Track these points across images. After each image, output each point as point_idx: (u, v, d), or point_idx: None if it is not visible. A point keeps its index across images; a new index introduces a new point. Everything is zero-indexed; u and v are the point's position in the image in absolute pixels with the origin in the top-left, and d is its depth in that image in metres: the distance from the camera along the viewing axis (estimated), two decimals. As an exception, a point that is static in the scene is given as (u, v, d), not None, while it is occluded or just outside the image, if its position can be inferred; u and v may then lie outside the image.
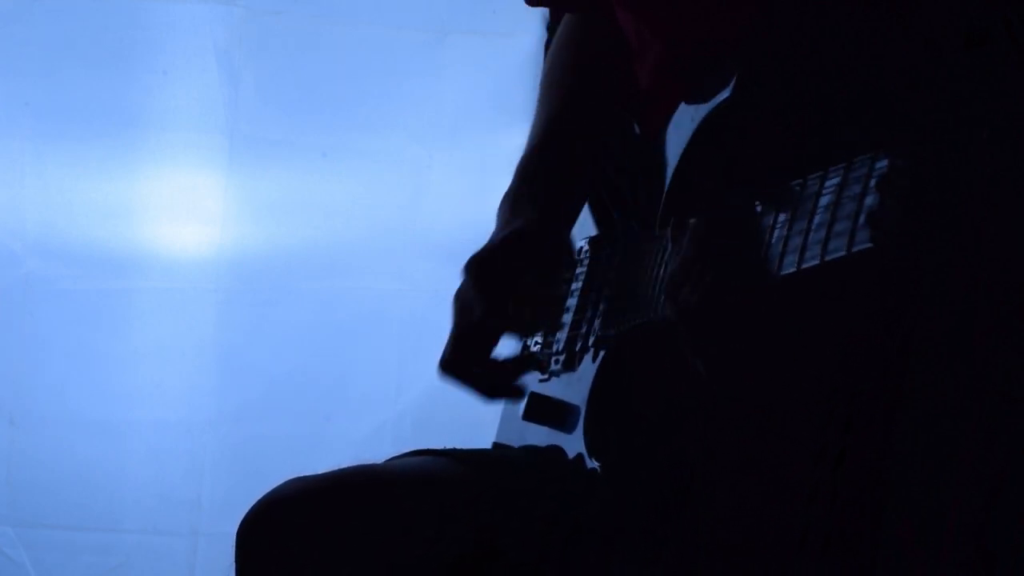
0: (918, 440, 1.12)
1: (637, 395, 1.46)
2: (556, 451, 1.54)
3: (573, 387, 1.56)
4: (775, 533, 1.22)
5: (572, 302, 1.63)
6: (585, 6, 1.73)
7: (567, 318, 1.63)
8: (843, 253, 1.13)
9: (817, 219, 1.18)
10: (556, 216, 1.63)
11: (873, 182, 1.12)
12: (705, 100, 1.44)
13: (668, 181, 1.51)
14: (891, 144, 1.12)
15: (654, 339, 1.42)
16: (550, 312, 1.62)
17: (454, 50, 3.00)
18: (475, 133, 2.98)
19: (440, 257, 3.00)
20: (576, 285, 1.63)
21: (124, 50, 2.90)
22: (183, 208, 2.96)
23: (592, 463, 1.48)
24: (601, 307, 1.56)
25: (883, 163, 1.12)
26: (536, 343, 1.67)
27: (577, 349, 1.58)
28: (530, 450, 1.59)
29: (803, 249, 1.18)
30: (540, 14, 2.89)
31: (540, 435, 1.58)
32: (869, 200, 1.12)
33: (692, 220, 1.35)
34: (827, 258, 1.15)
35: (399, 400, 3.04)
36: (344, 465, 1.52)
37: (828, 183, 1.18)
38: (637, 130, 1.64)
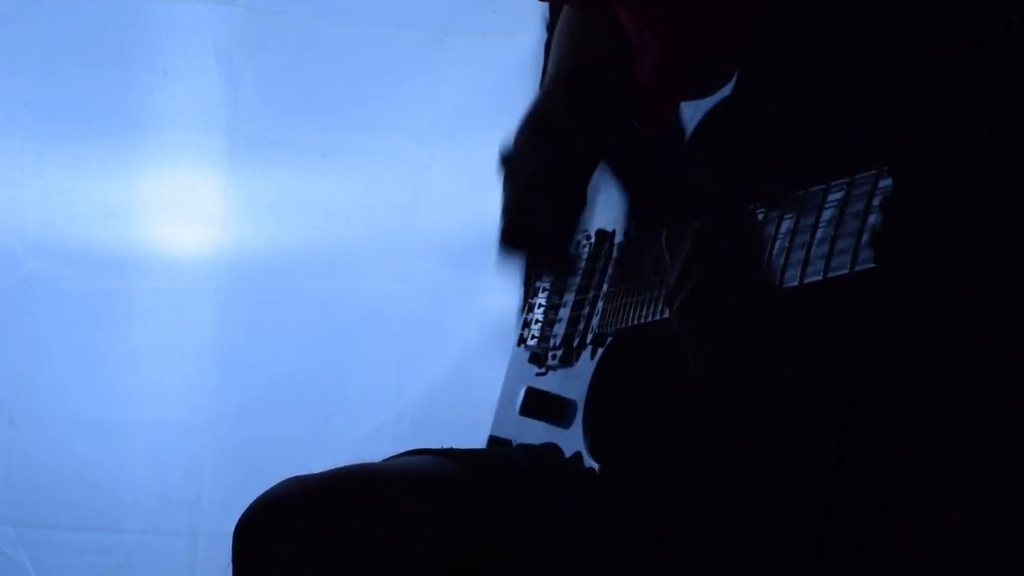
0: (918, 440, 1.12)
1: (636, 393, 1.47)
2: (554, 450, 1.54)
3: (570, 383, 1.56)
4: (775, 533, 1.21)
5: (569, 297, 1.63)
6: (585, 4, 1.73)
7: (564, 313, 1.63)
8: (846, 271, 1.14)
9: (820, 233, 1.18)
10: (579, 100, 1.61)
11: (877, 201, 1.12)
12: (704, 96, 1.44)
13: (668, 180, 1.51)
14: (894, 160, 1.12)
15: (653, 338, 1.42)
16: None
17: (454, 50, 3.00)
18: (475, 133, 2.98)
19: (440, 257, 3.01)
20: (574, 280, 1.63)
21: (124, 50, 2.89)
22: (183, 208, 2.96)
23: (591, 461, 1.48)
24: (599, 304, 1.56)
25: (887, 182, 1.12)
26: (533, 337, 1.67)
27: (575, 345, 1.58)
28: (529, 449, 1.59)
29: (805, 264, 1.18)
30: (540, 14, 2.89)
31: (537, 429, 1.58)
32: (872, 219, 1.12)
33: (694, 223, 1.35)
34: (830, 275, 1.15)
35: (399, 400, 3.04)
36: (344, 465, 1.52)
37: (831, 196, 1.18)
38: (637, 129, 1.64)
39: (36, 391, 2.93)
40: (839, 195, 1.17)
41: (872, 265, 1.12)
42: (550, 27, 1.82)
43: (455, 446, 1.58)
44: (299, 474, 1.48)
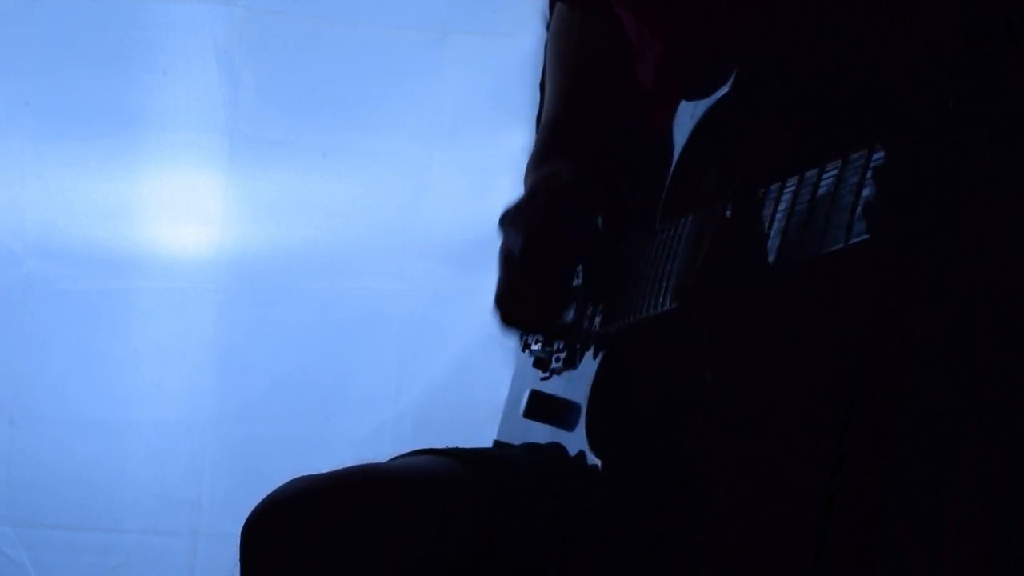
0: (918, 440, 1.12)
1: (636, 392, 1.47)
2: (558, 449, 1.54)
3: (574, 384, 1.56)
4: (775, 533, 1.22)
5: (573, 300, 1.63)
6: (585, 4, 1.73)
7: (568, 316, 1.63)
8: (841, 245, 1.14)
9: (816, 211, 1.18)
10: (591, 162, 1.61)
11: (870, 173, 1.12)
12: (705, 96, 1.44)
13: (668, 179, 1.51)
14: (887, 136, 1.12)
15: (654, 336, 1.43)
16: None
17: (454, 50, 3.00)
18: (475, 133, 2.98)
19: (440, 257, 3.01)
20: (577, 283, 1.63)
21: (124, 50, 2.90)
22: (183, 208, 2.96)
23: (593, 461, 1.48)
24: (602, 305, 1.56)
25: (879, 155, 1.12)
26: (537, 341, 1.67)
27: (578, 347, 1.58)
28: (531, 448, 1.59)
29: (802, 242, 1.19)
30: (540, 14, 2.89)
31: (542, 433, 1.58)
32: (866, 192, 1.12)
33: (693, 215, 1.35)
34: (825, 250, 1.15)
35: (399, 400, 3.04)
36: (345, 465, 1.52)
37: (826, 176, 1.19)
38: (637, 129, 1.64)
39: (36, 391, 2.93)
40: (834, 173, 1.18)
41: (866, 237, 1.12)
42: (550, 27, 1.82)
43: (456, 446, 1.59)
44: (303, 474, 1.48)
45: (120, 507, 2.95)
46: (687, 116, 1.49)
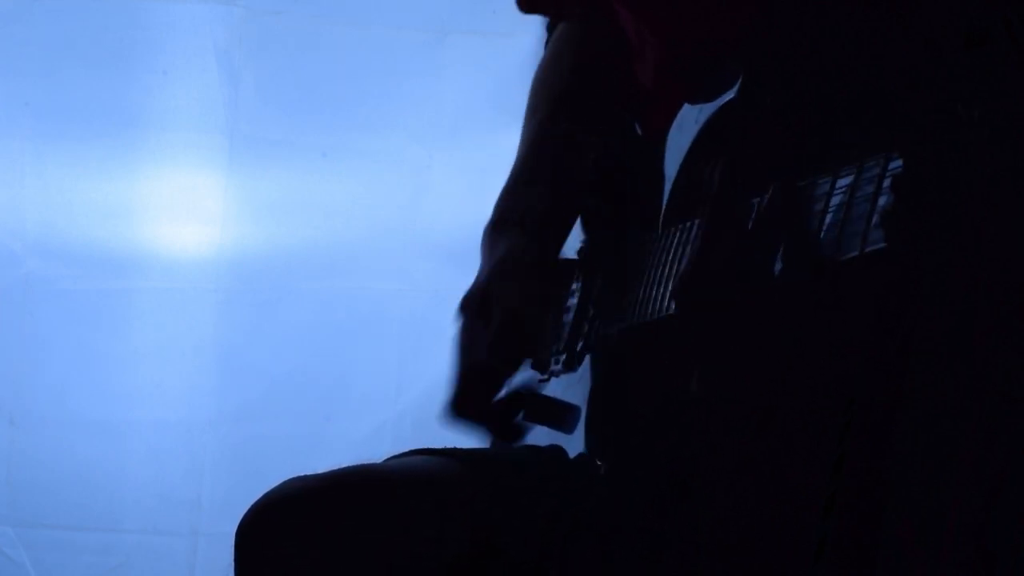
0: (918, 440, 1.12)
1: (636, 392, 1.46)
2: (557, 450, 1.54)
3: (574, 387, 1.56)
4: (775, 533, 1.21)
5: (573, 302, 1.63)
6: (581, 13, 1.73)
7: (567, 318, 1.63)
8: (856, 253, 1.13)
9: (829, 219, 1.18)
10: (546, 237, 1.62)
11: (887, 182, 1.12)
12: (709, 100, 1.44)
13: (670, 182, 1.51)
14: (904, 143, 1.12)
15: (654, 338, 1.42)
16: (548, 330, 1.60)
17: (454, 50, 3.00)
18: (475, 133, 2.98)
19: (440, 257, 3.01)
20: (577, 285, 1.63)
21: (124, 50, 2.90)
22: (183, 208, 2.96)
23: (592, 461, 1.48)
24: (602, 307, 1.56)
25: (897, 163, 1.12)
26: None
27: (578, 349, 1.58)
28: (531, 449, 1.59)
29: (814, 249, 1.18)
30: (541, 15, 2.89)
31: (541, 436, 1.58)
32: (883, 200, 1.12)
33: (700, 219, 1.35)
34: (839, 259, 1.15)
35: (399, 400, 3.04)
36: (344, 465, 1.52)
37: (840, 183, 1.18)
38: (638, 131, 1.64)
39: (36, 391, 2.93)
40: (848, 181, 1.17)
41: (883, 245, 1.11)
42: (550, 27, 1.82)
43: (455, 446, 1.58)
44: (300, 474, 1.48)
45: (120, 507, 2.95)
46: (692, 120, 1.49)
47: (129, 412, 2.95)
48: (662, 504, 1.36)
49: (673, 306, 1.36)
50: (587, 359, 1.56)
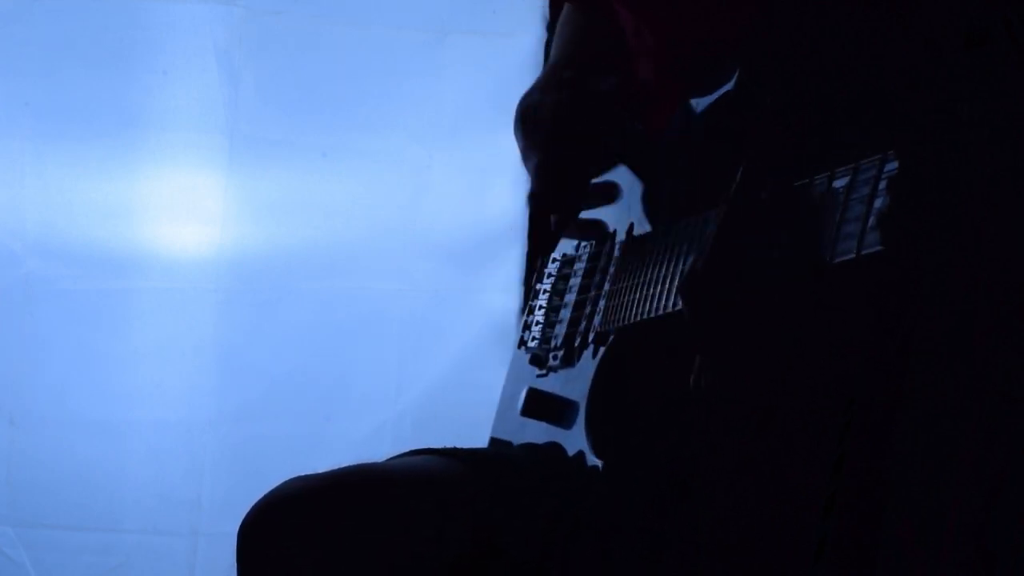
0: (918, 440, 1.12)
1: (636, 391, 1.47)
2: (556, 448, 1.54)
3: (572, 383, 1.56)
4: (775, 533, 1.22)
5: (571, 298, 1.63)
6: (585, 4, 1.73)
7: (565, 314, 1.63)
8: (852, 256, 1.13)
9: (825, 219, 1.18)
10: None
11: (883, 184, 1.12)
12: (705, 94, 1.44)
13: (670, 180, 1.51)
14: (900, 145, 1.12)
15: (655, 336, 1.42)
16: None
17: (454, 50, 3.00)
18: (475, 133, 2.98)
19: (440, 257, 3.01)
20: (575, 281, 1.63)
21: (124, 50, 2.89)
22: (183, 208, 2.95)
23: (592, 460, 1.48)
24: (601, 303, 1.56)
25: (893, 165, 1.12)
26: (533, 339, 1.67)
27: (576, 345, 1.58)
28: (530, 448, 1.59)
29: (811, 250, 1.18)
30: (540, 14, 2.89)
31: (538, 430, 1.58)
32: (879, 202, 1.12)
33: (705, 219, 1.35)
34: (835, 260, 1.15)
35: (399, 400, 3.03)
36: (344, 465, 1.52)
37: (835, 184, 1.18)
38: (638, 130, 1.64)
39: (36, 391, 2.93)
40: (844, 181, 1.17)
41: (879, 248, 1.11)
42: (550, 27, 1.82)
43: (455, 446, 1.59)
44: (301, 474, 1.48)
45: (120, 507, 2.95)
46: (691, 117, 1.49)
47: (129, 412, 2.95)
48: (662, 504, 1.36)
49: (678, 302, 1.36)
50: (585, 355, 1.56)
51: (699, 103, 1.46)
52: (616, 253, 1.58)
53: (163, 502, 2.95)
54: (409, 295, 3.02)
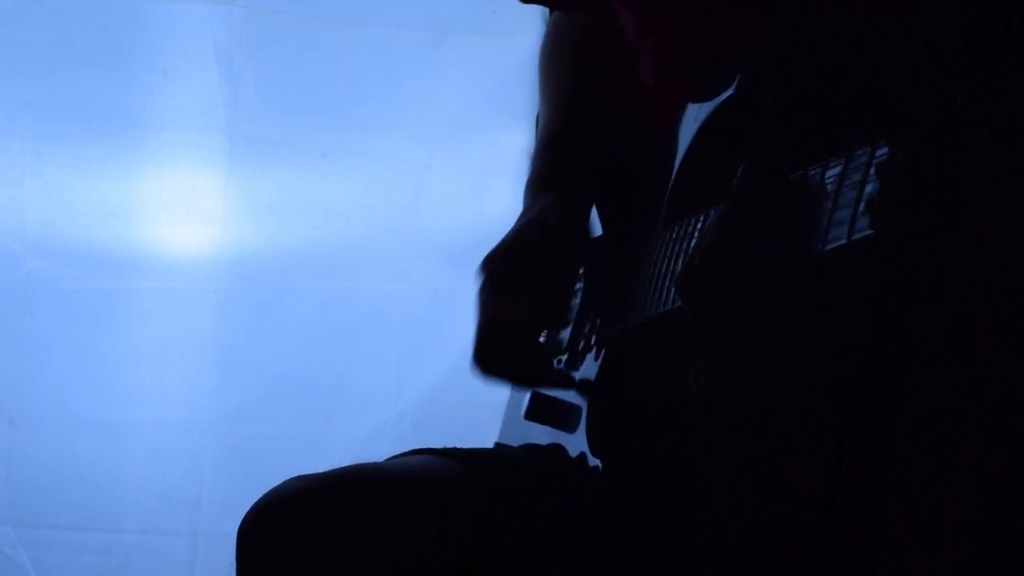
0: (918, 440, 1.12)
1: (637, 392, 1.47)
2: (557, 449, 1.54)
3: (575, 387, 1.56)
4: (775, 533, 1.22)
5: (575, 302, 1.63)
6: (583, 6, 1.73)
7: (570, 318, 1.63)
8: (843, 242, 1.13)
9: (820, 208, 1.18)
10: (580, 194, 1.61)
11: (873, 170, 1.12)
12: (709, 99, 1.44)
13: (670, 181, 1.51)
14: (890, 132, 1.12)
15: (655, 337, 1.42)
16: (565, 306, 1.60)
17: (454, 50, 3.00)
18: (475, 133, 2.98)
19: (440, 257, 3.01)
20: (579, 285, 1.63)
21: (124, 50, 2.90)
22: (183, 208, 2.96)
23: (595, 461, 1.48)
24: (604, 306, 1.56)
25: (883, 151, 1.12)
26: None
27: (580, 348, 1.58)
28: (532, 448, 1.59)
29: (806, 238, 1.18)
30: (540, 14, 2.89)
31: (543, 435, 1.58)
32: (869, 188, 1.12)
33: (701, 215, 1.35)
34: (827, 247, 1.15)
35: (399, 400, 3.04)
36: (344, 465, 1.52)
37: (829, 173, 1.18)
38: (638, 130, 1.64)
39: (36, 391, 2.93)
40: (837, 170, 1.17)
41: (869, 232, 1.11)
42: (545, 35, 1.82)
43: (455, 446, 1.58)
44: (300, 474, 1.48)
45: (120, 507, 2.95)
46: (691, 119, 1.49)
47: (129, 412, 2.95)
48: (662, 504, 1.36)
49: (676, 299, 1.36)
50: (588, 359, 1.56)
51: (702, 105, 1.46)
52: (618, 255, 1.58)
53: (163, 502, 2.96)
54: (409, 295, 3.03)
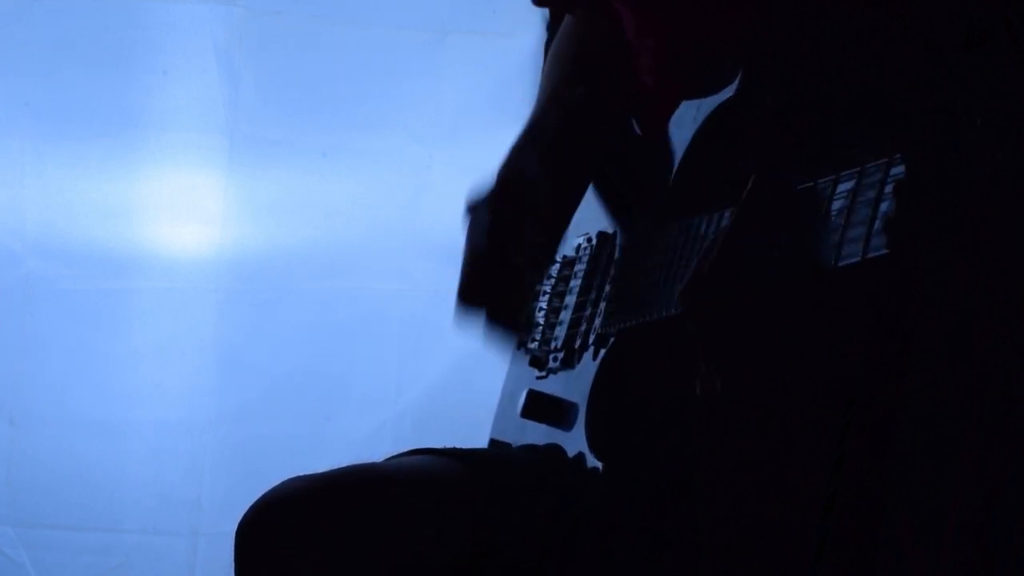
0: (918, 440, 1.12)
1: (637, 392, 1.46)
2: (555, 449, 1.54)
3: (572, 384, 1.56)
4: (775, 533, 1.21)
5: (571, 300, 1.63)
6: (586, 6, 1.73)
7: (565, 316, 1.63)
8: (857, 259, 1.13)
9: (831, 224, 1.18)
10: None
11: (889, 188, 1.12)
12: (706, 95, 1.44)
13: (670, 181, 1.51)
14: (906, 148, 1.12)
15: (656, 338, 1.42)
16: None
17: (454, 50, 3.00)
18: (475, 133, 2.97)
19: (440, 257, 3.00)
20: (575, 283, 1.63)
21: (124, 50, 2.90)
22: (183, 208, 2.96)
23: (593, 461, 1.48)
24: (601, 305, 1.56)
25: (899, 169, 1.12)
26: (533, 340, 1.67)
27: (576, 347, 1.58)
28: (530, 448, 1.59)
29: (817, 253, 1.18)
30: (540, 14, 2.89)
31: (538, 432, 1.58)
32: (884, 206, 1.12)
33: (708, 220, 1.35)
34: (840, 263, 1.15)
35: (399, 400, 3.03)
36: (344, 465, 1.52)
37: (840, 187, 1.18)
38: (637, 130, 1.64)
39: (36, 391, 2.93)
40: (850, 184, 1.17)
41: (885, 251, 1.11)
42: (550, 27, 1.82)
43: (455, 446, 1.58)
44: (300, 474, 1.48)
45: (120, 507, 2.95)
46: (689, 118, 1.49)
47: (129, 412, 2.95)
48: (662, 504, 1.36)
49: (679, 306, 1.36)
50: (585, 356, 1.56)
51: (699, 103, 1.46)
52: (616, 255, 1.58)
53: (163, 502, 2.95)
54: (409, 295, 3.02)
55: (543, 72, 1.77)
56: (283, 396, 3.01)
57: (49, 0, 2.86)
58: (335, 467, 1.50)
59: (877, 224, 1.12)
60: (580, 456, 1.50)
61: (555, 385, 1.60)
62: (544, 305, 1.68)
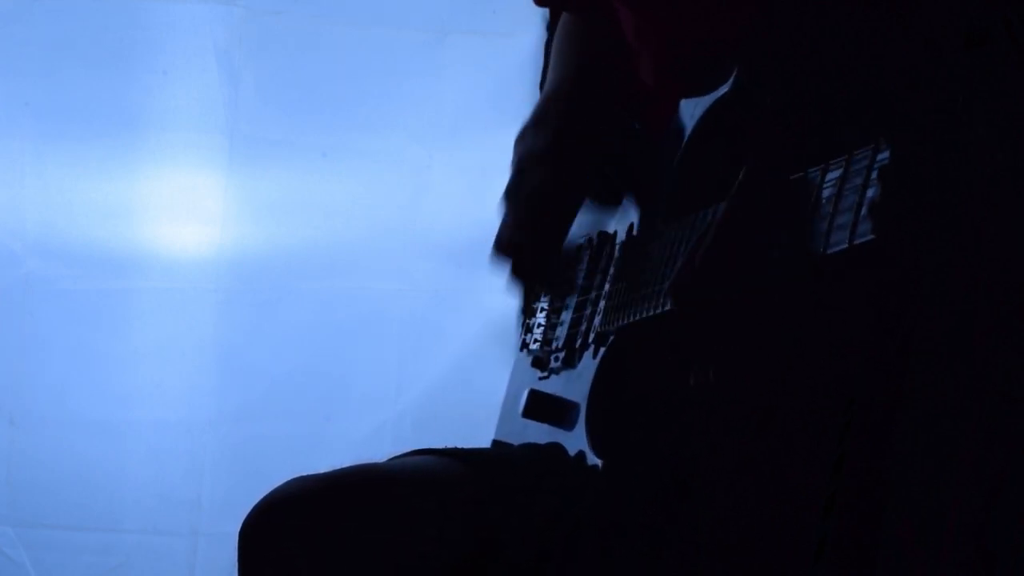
0: (918, 440, 1.12)
1: (637, 391, 1.46)
2: (556, 448, 1.54)
3: (573, 384, 1.56)
4: (775, 533, 1.22)
5: (572, 300, 1.63)
6: (586, 6, 1.73)
7: (566, 316, 1.63)
8: (845, 246, 1.13)
9: (820, 212, 1.18)
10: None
11: (875, 173, 1.12)
12: (704, 94, 1.44)
13: (669, 180, 1.51)
14: (892, 134, 1.12)
15: (654, 335, 1.42)
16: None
17: (454, 50, 3.00)
18: (475, 133, 2.98)
19: (440, 257, 3.01)
20: (578, 282, 1.63)
21: (124, 50, 2.90)
22: (183, 208, 2.96)
23: (593, 460, 1.48)
24: (601, 304, 1.56)
25: (885, 154, 1.12)
26: (535, 341, 1.67)
27: (577, 346, 1.58)
28: (530, 448, 1.59)
29: (806, 241, 1.18)
30: (540, 14, 2.89)
31: (540, 432, 1.58)
32: (871, 192, 1.12)
33: (705, 216, 1.35)
34: (829, 251, 1.15)
35: (399, 400, 3.04)
36: (344, 465, 1.52)
37: (829, 176, 1.18)
38: (638, 129, 1.64)
39: (36, 391, 2.93)
40: (837, 173, 1.17)
41: (871, 237, 1.11)
42: (550, 27, 1.82)
43: (455, 446, 1.58)
44: (302, 474, 1.48)
45: (120, 507, 2.96)
46: (687, 116, 1.49)
47: (129, 412, 2.96)
48: (662, 503, 1.36)
49: (668, 303, 1.36)
50: (586, 356, 1.56)
51: (699, 103, 1.47)
52: (616, 253, 1.58)
53: (163, 502, 2.96)
54: (409, 295, 3.03)
55: (550, 66, 1.78)
56: (283, 396, 3.01)
57: (49, 0, 2.86)
58: (335, 467, 1.50)
59: (863, 210, 1.12)
60: (581, 455, 1.50)
61: (557, 385, 1.60)
62: (546, 305, 1.69)
